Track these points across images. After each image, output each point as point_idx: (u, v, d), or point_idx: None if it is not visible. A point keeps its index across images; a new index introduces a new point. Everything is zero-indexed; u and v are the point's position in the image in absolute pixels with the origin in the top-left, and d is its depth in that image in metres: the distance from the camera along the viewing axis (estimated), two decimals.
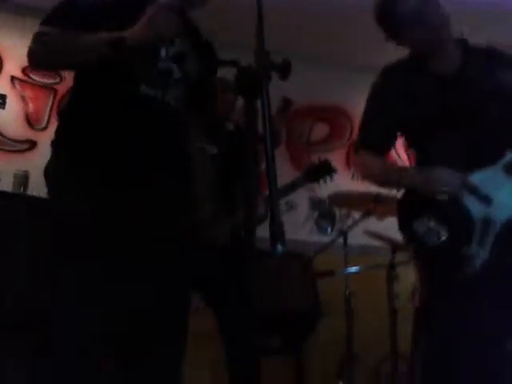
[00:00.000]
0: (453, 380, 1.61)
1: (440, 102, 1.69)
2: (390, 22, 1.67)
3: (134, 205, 1.43)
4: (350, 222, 3.16)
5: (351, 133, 4.07)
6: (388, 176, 1.80)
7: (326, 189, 3.56)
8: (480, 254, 1.53)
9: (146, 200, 1.45)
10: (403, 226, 1.70)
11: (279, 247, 1.11)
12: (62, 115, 1.57)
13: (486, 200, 1.59)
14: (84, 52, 1.42)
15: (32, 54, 1.45)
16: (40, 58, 1.48)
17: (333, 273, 2.96)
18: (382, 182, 1.87)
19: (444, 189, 1.60)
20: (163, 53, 1.47)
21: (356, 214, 3.12)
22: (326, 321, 2.84)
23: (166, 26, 1.39)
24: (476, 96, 1.67)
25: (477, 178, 1.63)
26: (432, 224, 1.57)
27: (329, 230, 3.64)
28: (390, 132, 1.81)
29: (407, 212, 1.70)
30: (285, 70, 1.24)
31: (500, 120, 1.68)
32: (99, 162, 1.44)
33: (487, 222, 1.57)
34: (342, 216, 3.59)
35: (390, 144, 1.87)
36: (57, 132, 1.53)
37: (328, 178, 2.63)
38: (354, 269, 2.98)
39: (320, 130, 4.14)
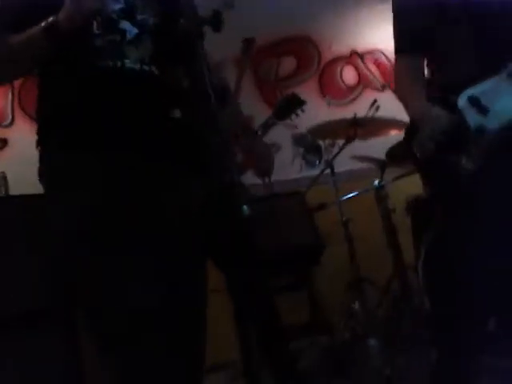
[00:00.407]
0: (452, 277, 1.66)
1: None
2: None
3: (154, 176, 1.39)
4: (336, 150, 3.15)
5: (319, 61, 4.01)
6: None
7: (306, 123, 3.58)
8: (468, 163, 1.55)
9: (160, 169, 1.41)
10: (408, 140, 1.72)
11: (245, 209, 1.10)
12: (40, 111, 1.49)
13: (483, 110, 1.60)
14: (22, 54, 1.31)
15: None
16: None
17: (325, 206, 2.99)
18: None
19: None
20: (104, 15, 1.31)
21: (340, 142, 3.11)
22: (329, 251, 2.89)
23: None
24: None
25: (479, 88, 1.63)
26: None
27: (317, 162, 3.63)
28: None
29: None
30: (216, 23, 1.18)
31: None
32: (99, 144, 1.35)
33: (481, 129, 1.58)
34: (327, 147, 3.58)
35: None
36: (41, 130, 1.47)
37: (300, 111, 2.58)
38: (347, 196, 3.00)
39: (288, 64, 4.05)
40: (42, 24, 1.25)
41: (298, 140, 3.78)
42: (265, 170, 2.08)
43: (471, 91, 1.63)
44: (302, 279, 3.14)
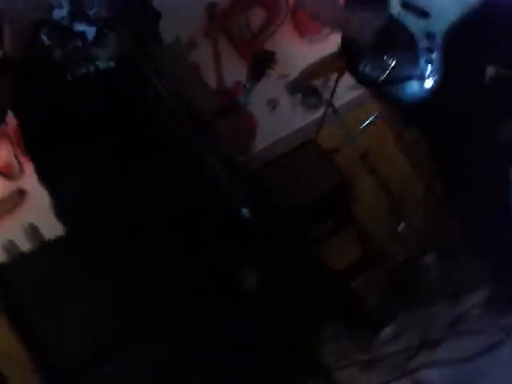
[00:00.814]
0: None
1: None
2: None
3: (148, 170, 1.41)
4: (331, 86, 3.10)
5: (287, 2, 3.88)
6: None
7: (296, 69, 3.51)
8: (431, 71, 1.50)
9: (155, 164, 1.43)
10: (350, 69, 1.67)
11: (244, 212, 1.09)
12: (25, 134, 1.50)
13: (422, 13, 1.52)
14: None
15: None
16: None
17: (339, 149, 2.98)
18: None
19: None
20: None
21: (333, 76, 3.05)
22: (360, 185, 2.89)
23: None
24: None
25: None
26: (374, 60, 1.54)
27: (317, 104, 3.58)
28: None
29: (349, 54, 1.66)
30: None
31: None
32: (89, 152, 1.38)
33: (429, 36, 1.52)
34: (323, 85, 3.51)
35: None
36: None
37: (273, 65, 2.48)
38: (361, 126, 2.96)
39: (257, 16, 3.92)
40: None
41: (294, 88, 3.71)
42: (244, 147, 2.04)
43: None
44: (342, 219, 3.16)
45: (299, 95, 3.71)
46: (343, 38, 1.75)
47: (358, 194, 3.04)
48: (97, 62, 1.36)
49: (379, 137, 2.94)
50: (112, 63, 1.40)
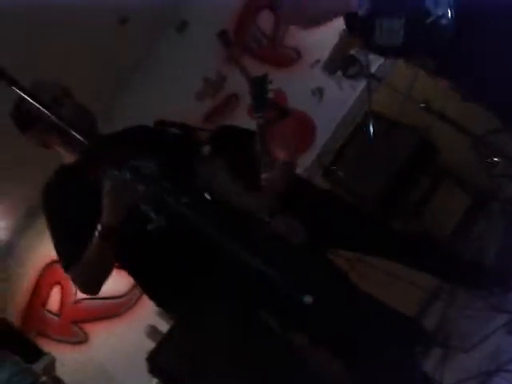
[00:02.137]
0: None
1: None
2: None
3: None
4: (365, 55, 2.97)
5: None
6: None
7: (324, 50, 3.42)
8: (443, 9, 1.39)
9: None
10: (368, 47, 1.59)
11: (307, 299, 1.11)
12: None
13: None
14: (98, 256, 1.55)
15: (80, 289, 1.66)
16: (86, 287, 1.66)
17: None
18: None
19: None
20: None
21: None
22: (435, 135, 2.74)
23: (122, 203, 1.45)
24: None
25: None
26: (385, 27, 1.45)
27: (360, 72, 3.45)
28: None
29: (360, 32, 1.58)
30: None
31: None
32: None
33: None
34: (357, 52, 3.38)
35: None
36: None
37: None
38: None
39: (267, 19, 3.85)
40: (95, 234, 1.50)
41: (330, 67, 3.61)
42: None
43: None
44: (437, 174, 3.02)
45: (339, 72, 3.61)
46: (347, 21, 1.69)
47: (440, 143, 2.87)
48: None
49: (430, 84, 2.76)
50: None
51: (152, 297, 1.70)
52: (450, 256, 2.17)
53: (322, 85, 3.64)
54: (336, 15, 1.71)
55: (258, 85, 2.32)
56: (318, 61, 3.54)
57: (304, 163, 3.40)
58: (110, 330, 3.71)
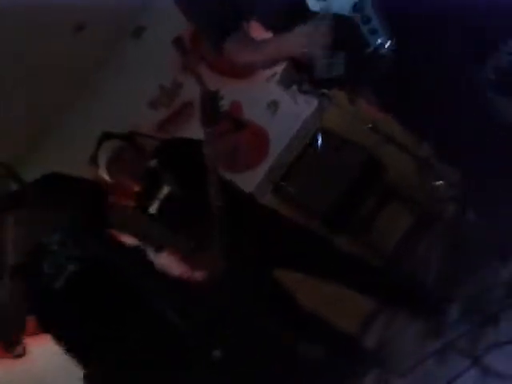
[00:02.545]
0: None
1: None
2: None
3: None
4: None
5: None
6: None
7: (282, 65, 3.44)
8: (382, 38, 1.45)
9: None
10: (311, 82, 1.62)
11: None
12: None
13: None
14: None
15: None
16: None
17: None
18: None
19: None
20: None
21: None
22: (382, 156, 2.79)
23: None
24: None
25: None
26: (326, 63, 1.47)
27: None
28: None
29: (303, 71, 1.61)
30: None
31: None
32: None
33: (357, 8, 1.44)
34: None
35: None
36: None
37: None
38: None
39: None
40: None
41: (285, 81, 3.63)
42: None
43: None
44: (384, 192, 3.08)
45: (294, 87, 3.64)
46: (288, 62, 1.72)
47: (387, 163, 2.94)
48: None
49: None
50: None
51: None
52: (388, 280, 2.22)
53: (277, 98, 3.66)
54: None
55: (209, 101, 2.33)
56: (274, 74, 3.55)
57: (256, 177, 3.42)
58: (50, 343, 3.61)
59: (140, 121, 3.70)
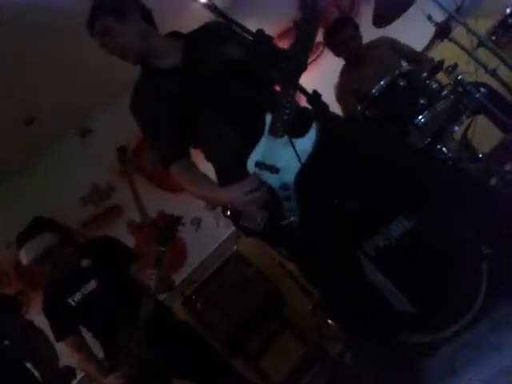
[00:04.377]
0: None
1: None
2: None
3: None
4: None
5: None
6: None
7: None
8: (292, 218, 1.78)
9: None
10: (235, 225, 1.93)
11: None
12: None
13: (273, 169, 1.78)
14: None
15: None
16: None
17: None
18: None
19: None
20: None
21: None
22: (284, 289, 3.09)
23: None
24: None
25: (258, 153, 1.79)
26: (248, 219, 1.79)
27: None
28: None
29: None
30: None
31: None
32: None
33: (284, 187, 1.77)
34: None
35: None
36: None
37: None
38: None
39: None
40: None
41: (211, 206, 3.97)
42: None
43: (253, 158, 1.80)
44: (282, 322, 3.36)
45: (219, 209, 3.96)
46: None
47: (286, 296, 3.25)
48: None
49: None
50: None
51: None
52: None
53: (201, 216, 3.97)
54: None
55: (170, 224, 2.53)
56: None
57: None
58: None
59: (67, 213, 3.86)
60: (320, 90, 1.72)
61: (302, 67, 1.73)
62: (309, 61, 1.82)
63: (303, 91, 1.71)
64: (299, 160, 1.77)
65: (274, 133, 1.79)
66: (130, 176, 3.88)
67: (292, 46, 1.73)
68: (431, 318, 1.97)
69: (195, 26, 2.00)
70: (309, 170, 1.78)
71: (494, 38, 3.09)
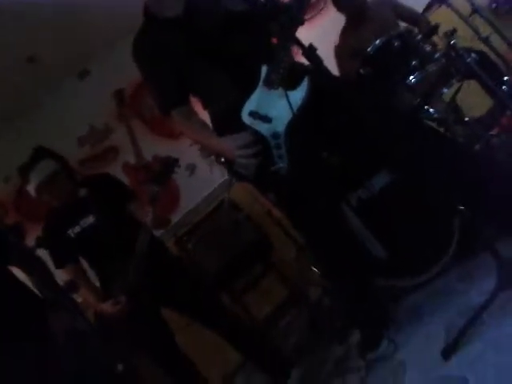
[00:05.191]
0: None
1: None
2: None
3: None
4: None
5: None
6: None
7: None
8: (281, 165, 1.88)
9: None
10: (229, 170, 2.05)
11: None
12: None
13: (266, 119, 1.88)
14: None
15: None
16: None
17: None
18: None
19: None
20: None
21: None
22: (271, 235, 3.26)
23: None
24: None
25: (252, 103, 1.88)
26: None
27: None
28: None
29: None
30: None
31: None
32: None
33: (275, 136, 1.88)
34: None
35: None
36: None
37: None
38: None
39: None
40: None
41: (206, 152, 4.08)
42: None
43: (248, 107, 1.89)
44: (268, 264, 3.54)
45: (212, 157, 4.07)
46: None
47: (275, 242, 3.41)
48: None
49: None
50: None
51: None
52: (254, 341, 2.60)
53: (195, 162, 4.08)
54: None
55: (167, 164, 2.67)
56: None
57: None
58: None
59: (64, 152, 3.92)
60: (319, 47, 1.76)
61: (298, 21, 1.81)
62: (308, 16, 1.89)
63: (300, 44, 1.78)
64: (292, 111, 1.87)
65: (269, 84, 1.89)
66: (127, 119, 3.94)
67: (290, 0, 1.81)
68: (406, 265, 2.14)
69: None
70: (299, 121, 1.88)
71: (494, 5, 3.12)
